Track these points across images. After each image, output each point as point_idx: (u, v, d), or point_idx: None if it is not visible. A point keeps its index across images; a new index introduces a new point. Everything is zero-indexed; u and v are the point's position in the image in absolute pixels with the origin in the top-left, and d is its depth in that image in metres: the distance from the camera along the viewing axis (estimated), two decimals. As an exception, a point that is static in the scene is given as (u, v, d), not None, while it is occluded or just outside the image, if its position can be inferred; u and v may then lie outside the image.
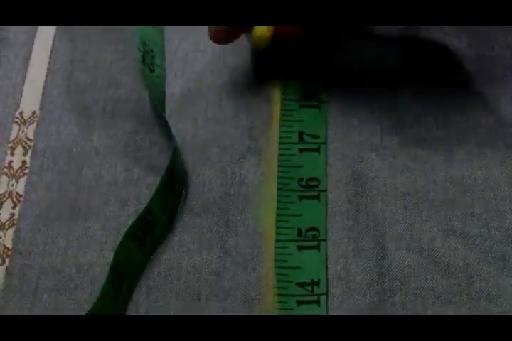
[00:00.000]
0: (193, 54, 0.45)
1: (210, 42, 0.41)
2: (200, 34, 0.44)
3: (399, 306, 0.37)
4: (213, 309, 0.38)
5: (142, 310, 0.38)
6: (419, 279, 0.38)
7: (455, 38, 0.44)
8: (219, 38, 0.39)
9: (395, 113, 0.42)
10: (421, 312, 0.37)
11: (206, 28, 0.40)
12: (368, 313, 0.37)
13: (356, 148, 0.41)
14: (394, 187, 0.40)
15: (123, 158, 0.42)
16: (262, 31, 0.39)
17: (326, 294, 0.37)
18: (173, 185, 0.39)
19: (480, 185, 0.40)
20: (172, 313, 0.38)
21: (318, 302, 0.37)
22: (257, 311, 0.38)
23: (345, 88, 0.43)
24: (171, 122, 0.41)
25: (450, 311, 0.37)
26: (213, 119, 0.42)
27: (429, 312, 0.37)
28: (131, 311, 0.38)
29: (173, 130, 0.41)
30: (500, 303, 0.37)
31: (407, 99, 0.42)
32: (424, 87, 0.42)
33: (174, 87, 0.44)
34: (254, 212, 0.40)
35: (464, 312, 0.37)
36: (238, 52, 0.43)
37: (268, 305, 0.38)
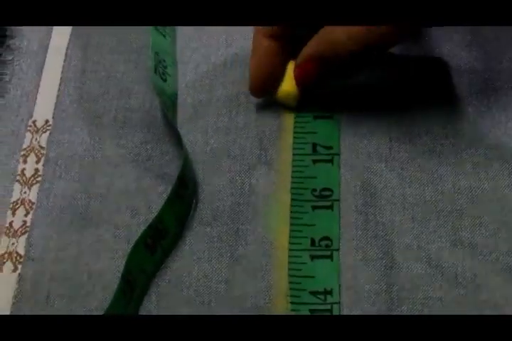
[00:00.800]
0: (204, 65, 0.45)
1: (221, 54, 0.42)
2: (211, 46, 0.45)
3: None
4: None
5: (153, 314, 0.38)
6: (427, 289, 0.38)
7: (464, 50, 0.44)
8: (257, 93, 0.41)
9: (404, 123, 0.42)
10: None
11: (220, 41, 0.41)
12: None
13: (365, 159, 0.41)
14: (402, 197, 0.40)
15: (134, 166, 0.42)
16: (288, 88, 0.41)
17: (339, 303, 0.37)
18: (184, 194, 0.39)
19: (487, 195, 0.40)
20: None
21: (331, 310, 0.37)
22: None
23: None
24: (181, 132, 0.41)
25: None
26: (224, 129, 0.42)
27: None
28: (143, 310, 0.38)
29: (184, 140, 0.41)
30: (507, 314, 0.37)
31: (416, 109, 0.42)
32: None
33: (185, 97, 0.44)
34: (264, 221, 0.40)
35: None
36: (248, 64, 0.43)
37: (278, 313, 0.38)
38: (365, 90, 0.43)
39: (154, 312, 0.38)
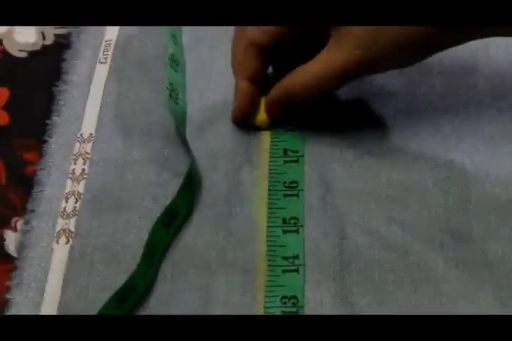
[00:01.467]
0: (205, 92, 0.44)
1: (220, 83, 0.41)
2: (211, 78, 0.44)
3: (354, 273, 0.36)
4: (220, 276, 0.37)
5: (168, 276, 0.38)
6: (369, 253, 0.37)
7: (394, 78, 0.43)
8: (238, 121, 0.41)
9: (350, 134, 0.41)
10: (370, 276, 0.36)
11: (215, 78, 0.43)
12: (332, 278, 0.36)
13: (323, 159, 0.41)
14: (351, 187, 0.39)
15: (155, 166, 0.41)
16: (262, 118, 0.41)
17: (303, 265, 0.37)
18: (191, 186, 0.39)
19: (413, 185, 0.39)
20: (190, 278, 0.37)
21: (297, 271, 0.37)
22: (253, 276, 0.37)
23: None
24: (190, 141, 0.41)
25: (391, 277, 0.36)
26: (221, 139, 0.42)
27: (376, 277, 0.36)
28: (160, 277, 0.38)
29: (191, 146, 0.41)
30: (427, 270, 0.36)
31: (359, 126, 0.42)
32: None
33: (193, 116, 0.43)
34: (249, 204, 0.39)
35: (401, 276, 0.36)
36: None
37: (260, 273, 0.37)
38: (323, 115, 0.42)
39: (170, 273, 0.37)
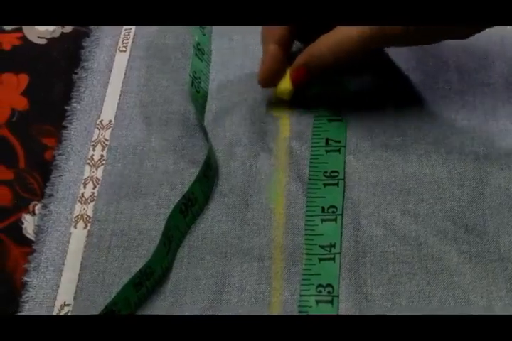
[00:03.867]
0: (224, 83, 0.44)
1: (238, 75, 0.43)
2: (230, 69, 0.45)
3: (369, 264, 0.37)
4: (236, 263, 0.37)
5: (185, 262, 0.38)
6: (383, 245, 0.37)
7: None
8: (264, 83, 0.41)
9: (366, 128, 0.42)
10: (384, 268, 0.36)
11: (234, 70, 0.43)
12: (347, 268, 0.36)
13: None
14: (366, 180, 0.39)
15: (173, 154, 0.42)
16: (285, 86, 0.41)
17: (340, 253, 0.37)
18: (209, 174, 0.40)
19: (427, 178, 0.39)
20: (206, 264, 0.37)
21: (334, 259, 0.37)
22: (268, 264, 0.37)
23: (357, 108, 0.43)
24: (207, 129, 0.41)
25: (405, 269, 0.36)
26: (237, 127, 0.42)
27: (390, 269, 0.36)
28: (177, 264, 0.38)
29: (209, 134, 0.41)
30: (441, 263, 0.37)
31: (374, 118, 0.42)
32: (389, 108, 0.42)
33: (211, 105, 0.44)
34: (266, 193, 0.40)
35: (415, 269, 0.36)
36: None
37: (276, 261, 0.38)
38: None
39: (186, 259, 0.38)
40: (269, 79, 0.41)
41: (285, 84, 0.41)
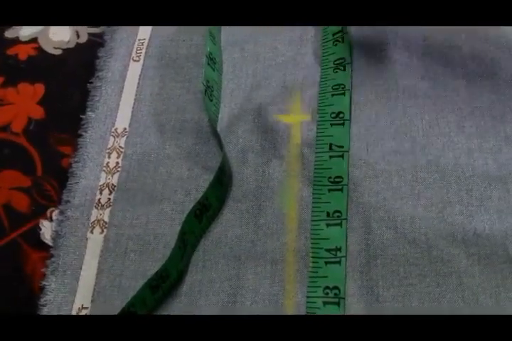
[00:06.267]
0: (235, 91, 0.46)
1: (249, 83, 0.44)
2: (242, 77, 0.46)
3: (380, 266, 0.38)
4: (250, 267, 0.39)
5: (200, 266, 0.40)
6: (394, 248, 0.39)
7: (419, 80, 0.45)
8: None
9: (377, 134, 0.43)
10: (395, 270, 0.38)
11: (245, 79, 0.45)
12: (359, 271, 0.38)
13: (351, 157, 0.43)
14: (376, 184, 0.41)
15: (187, 161, 0.43)
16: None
17: (345, 257, 0.39)
18: (223, 180, 0.41)
19: (437, 183, 0.41)
20: (221, 268, 0.39)
21: (339, 262, 0.39)
22: (282, 267, 0.39)
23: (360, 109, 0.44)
24: (221, 136, 0.43)
25: (415, 271, 0.38)
26: (249, 134, 0.44)
27: (401, 271, 0.38)
28: (192, 267, 0.40)
29: (223, 141, 0.42)
30: (450, 265, 0.38)
31: (384, 124, 0.44)
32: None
33: (223, 113, 0.45)
34: (278, 199, 0.41)
35: (425, 271, 0.38)
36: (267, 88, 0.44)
37: (289, 264, 0.39)
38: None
39: (201, 263, 0.40)
40: None
41: None
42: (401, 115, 0.44)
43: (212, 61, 0.45)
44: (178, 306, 0.38)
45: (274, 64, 0.46)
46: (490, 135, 0.42)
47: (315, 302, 0.37)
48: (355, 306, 0.37)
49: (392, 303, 0.37)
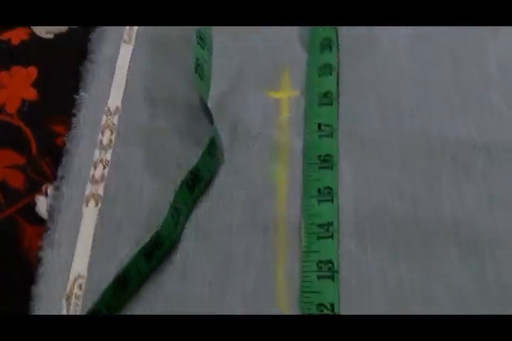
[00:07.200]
0: (226, 69, 0.48)
1: (239, 60, 0.46)
2: (229, 55, 0.48)
3: (368, 233, 0.40)
4: (242, 234, 0.40)
5: (192, 236, 0.41)
6: (382, 218, 0.41)
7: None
8: None
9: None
10: (384, 237, 0.40)
11: (232, 56, 0.46)
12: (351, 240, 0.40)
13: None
14: (364, 155, 0.43)
15: (179, 136, 0.44)
16: None
17: (338, 231, 0.40)
18: (214, 153, 0.42)
19: (423, 167, 0.42)
20: (213, 237, 0.40)
21: (332, 237, 0.40)
22: (272, 234, 0.40)
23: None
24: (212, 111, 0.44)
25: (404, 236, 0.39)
26: (239, 110, 0.45)
27: (390, 238, 0.40)
28: (185, 236, 0.41)
29: (214, 117, 0.43)
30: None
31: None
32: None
33: (214, 90, 0.47)
34: (268, 171, 0.43)
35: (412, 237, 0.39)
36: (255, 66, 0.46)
37: (279, 232, 0.40)
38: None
39: (194, 230, 0.41)
40: None
41: None
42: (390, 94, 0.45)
43: (202, 40, 0.47)
44: (172, 274, 0.39)
45: (262, 43, 0.48)
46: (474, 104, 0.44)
47: (309, 276, 0.39)
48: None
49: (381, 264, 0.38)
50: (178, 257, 0.40)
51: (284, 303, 0.38)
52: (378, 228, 0.40)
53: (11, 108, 0.47)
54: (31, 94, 0.48)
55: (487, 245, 0.39)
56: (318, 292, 0.38)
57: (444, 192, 0.41)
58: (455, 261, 0.39)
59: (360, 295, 0.38)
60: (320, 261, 0.39)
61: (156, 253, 0.39)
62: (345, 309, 0.38)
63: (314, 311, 0.37)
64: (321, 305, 0.37)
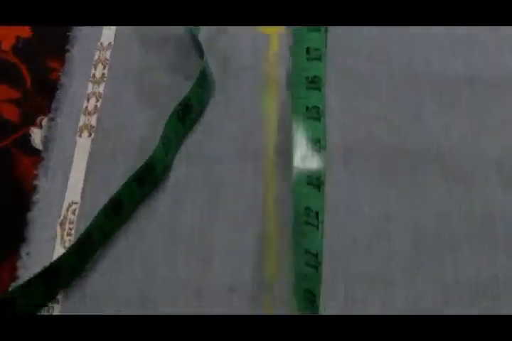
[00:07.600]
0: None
1: None
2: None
3: (354, 161, 0.41)
4: (233, 162, 0.42)
5: (183, 164, 0.42)
6: (369, 145, 0.41)
7: None
8: None
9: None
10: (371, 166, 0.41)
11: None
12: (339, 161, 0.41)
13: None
14: (351, 86, 0.43)
15: (170, 70, 0.46)
16: None
17: (324, 148, 0.41)
18: (204, 84, 0.43)
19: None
20: (204, 166, 0.42)
21: (319, 152, 0.41)
22: (262, 162, 0.41)
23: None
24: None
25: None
26: (231, 44, 0.46)
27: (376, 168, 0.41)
28: (176, 165, 0.42)
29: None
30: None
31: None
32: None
33: (204, 29, 0.47)
34: (259, 102, 0.44)
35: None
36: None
37: (268, 158, 0.42)
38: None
39: (184, 162, 0.42)
40: None
41: None
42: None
43: None
44: (164, 200, 0.40)
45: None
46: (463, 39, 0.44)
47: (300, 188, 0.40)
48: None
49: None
50: (171, 183, 0.41)
51: (273, 227, 0.39)
52: (366, 155, 0.41)
53: (6, 45, 0.48)
54: (26, 32, 0.49)
55: (471, 171, 0.40)
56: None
57: (430, 122, 0.42)
58: (440, 186, 0.40)
59: (348, 210, 0.40)
60: (309, 176, 0.40)
61: (147, 178, 0.40)
62: (329, 221, 0.39)
63: (302, 215, 0.38)
64: (307, 208, 0.38)
